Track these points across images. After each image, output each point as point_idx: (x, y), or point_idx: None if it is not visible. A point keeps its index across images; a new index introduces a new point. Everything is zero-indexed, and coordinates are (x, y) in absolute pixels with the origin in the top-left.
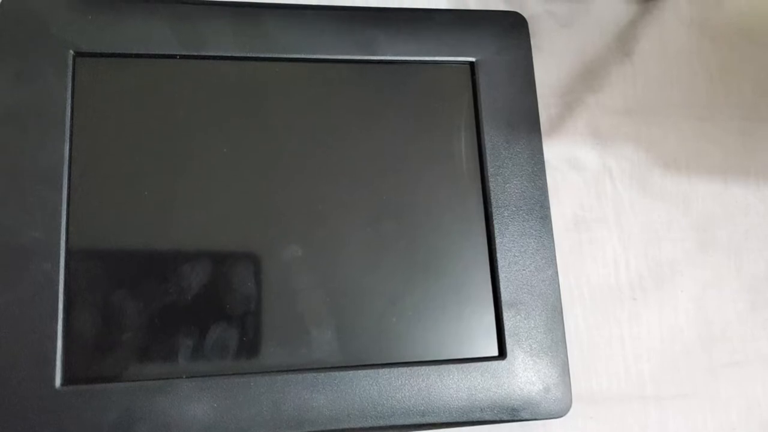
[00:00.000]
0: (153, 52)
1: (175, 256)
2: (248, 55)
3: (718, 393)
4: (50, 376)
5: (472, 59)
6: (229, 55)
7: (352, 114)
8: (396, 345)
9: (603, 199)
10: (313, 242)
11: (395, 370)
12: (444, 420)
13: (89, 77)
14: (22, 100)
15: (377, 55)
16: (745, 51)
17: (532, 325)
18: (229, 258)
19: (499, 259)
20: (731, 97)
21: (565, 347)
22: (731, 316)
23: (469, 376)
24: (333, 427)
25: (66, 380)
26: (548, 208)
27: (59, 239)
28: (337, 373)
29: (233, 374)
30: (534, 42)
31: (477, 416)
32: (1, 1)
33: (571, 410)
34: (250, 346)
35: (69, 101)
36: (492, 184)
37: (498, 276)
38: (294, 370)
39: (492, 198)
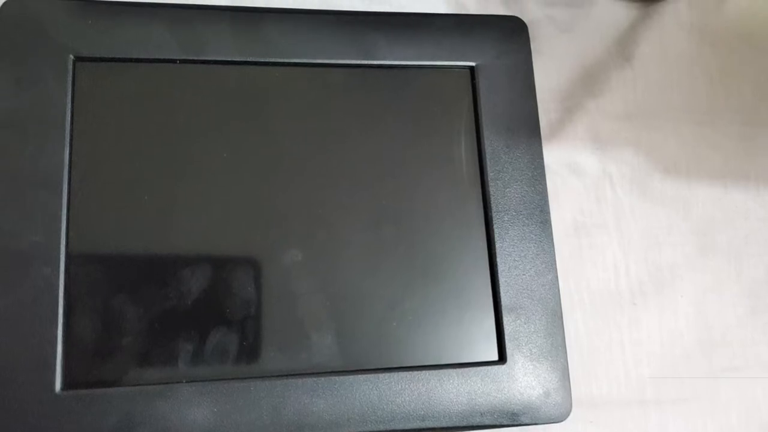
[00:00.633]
0: (153, 57)
1: (175, 261)
2: (248, 59)
3: (718, 397)
4: (50, 381)
5: (472, 64)
6: (228, 59)
7: (352, 118)
8: (396, 349)
9: (603, 204)
10: (313, 247)
11: (395, 375)
12: (444, 425)
13: (89, 82)
14: (22, 105)
15: (377, 59)
16: (745, 55)
17: (532, 330)
18: (229, 262)
19: (499, 264)
20: (731, 101)
21: (565, 352)
22: (731, 320)
23: (469, 381)
24: None
25: (66, 385)
26: (548, 212)
27: (59, 243)
28: (337, 378)
29: (233, 379)
30: (534, 46)
31: (477, 421)
32: (1, 6)
33: (571, 415)
34: (250, 351)
35: (69, 106)
36: (492, 189)
37: (498, 281)
38: (294, 375)
39: (492, 203)
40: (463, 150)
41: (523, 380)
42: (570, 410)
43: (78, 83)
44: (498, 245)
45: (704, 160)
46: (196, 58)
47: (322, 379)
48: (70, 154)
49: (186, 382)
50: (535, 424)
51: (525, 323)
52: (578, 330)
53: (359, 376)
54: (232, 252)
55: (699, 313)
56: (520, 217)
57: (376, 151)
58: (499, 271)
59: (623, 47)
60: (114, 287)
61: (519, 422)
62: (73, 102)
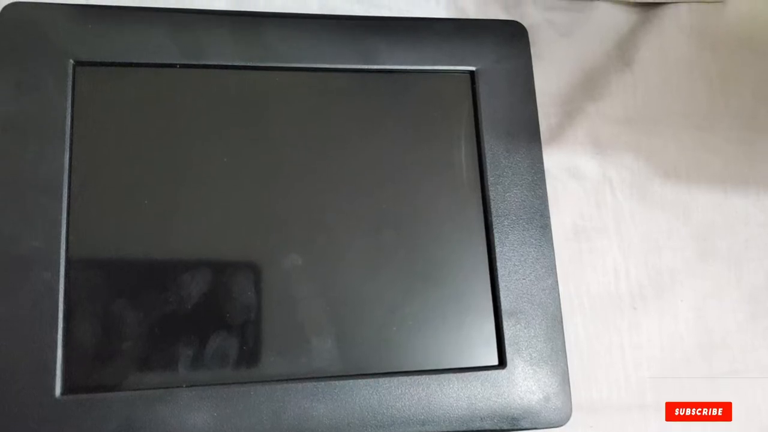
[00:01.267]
0: (153, 61)
1: (175, 265)
2: (248, 64)
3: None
4: (50, 385)
5: (472, 68)
6: (229, 64)
7: (352, 123)
8: (396, 354)
9: (603, 209)
10: (314, 251)
11: (395, 380)
12: (444, 429)
13: (89, 86)
14: (23, 109)
15: (377, 64)
16: (745, 60)
17: (532, 334)
18: (229, 267)
19: (499, 269)
20: (731, 106)
21: (565, 356)
22: (731, 325)
23: (469, 386)
24: None
25: (66, 389)
26: (548, 217)
27: (59, 248)
28: (337, 383)
29: (233, 383)
30: (534, 51)
31: (477, 425)
32: (1, 10)
33: (571, 419)
34: (250, 355)
35: (69, 110)
36: (492, 193)
37: (498, 285)
38: (294, 379)
39: (492, 207)
40: (463, 154)
41: (523, 385)
42: (570, 414)
43: (78, 88)
44: (498, 250)
45: (704, 164)
46: (196, 62)
47: (322, 383)
48: (70, 158)
49: (186, 386)
50: (535, 428)
51: (525, 328)
52: (578, 334)
53: (359, 380)
54: (232, 256)
55: (699, 317)
56: (520, 221)
57: (376, 156)
58: (499, 276)
59: (623, 51)
60: (114, 292)
61: (519, 427)
62: (73, 106)
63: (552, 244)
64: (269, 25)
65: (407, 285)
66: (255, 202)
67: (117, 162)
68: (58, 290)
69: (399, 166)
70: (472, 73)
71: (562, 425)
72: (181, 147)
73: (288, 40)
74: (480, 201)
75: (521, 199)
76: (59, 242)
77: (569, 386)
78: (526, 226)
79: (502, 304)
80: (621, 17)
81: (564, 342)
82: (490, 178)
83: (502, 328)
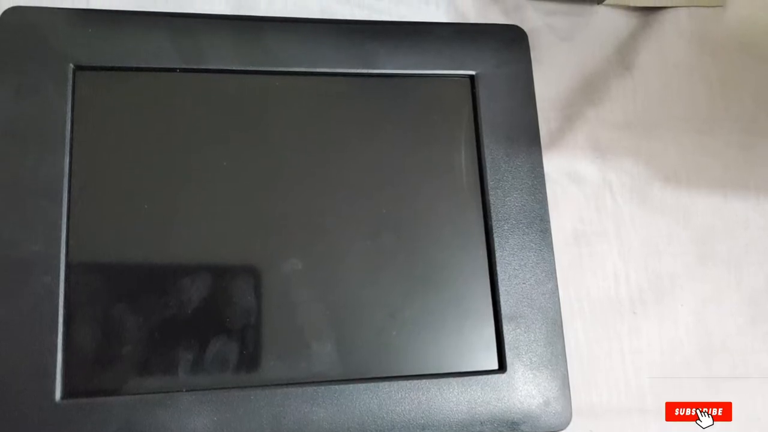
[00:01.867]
0: (153, 66)
1: (175, 270)
2: (248, 68)
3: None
4: (50, 389)
5: (472, 73)
6: (229, 68)
7: (352, 127)
8: (396, 358)
9: (603, 213)
10: (313, 256)
11: (395, 384)
12: None
13: (89, 91)
14: (23, 114)
15: (377, 68)
16: (745, 64)
17: (532, 339)
18: (229, 271)
19: (499, 273)
20: (731, 110)
21: (565, 360)
22: (731, 329)
23: (469, 390)
24: None
25: (66, 393)
26: (548, 221)
27: (59, 252)
28: (337, 387)
29: (233, 387)
30: (534, 55)
31: (477, 430)
32: (1, 14)
33: (572, 423)
34: (250, 360)
35: (69, 115)
36: (492, 198)
37: (498, 289)
38: (294, 384)
39: (492, 211)
40: (463, 159)
41: (523, 389)
42: (570, 419)
43: (78, 92)
44: (498, 254)
45: (704, 169)
46: (196, 66)
47: (322, 388)
48: (70, 162)
49: (186, 390)
50: None
51: (525, 332)
52: (578, 339)
53: (359, 385)
54: (232, 261)
55: (699, 321)
56: (520, 225)
57: (376, 160)
58: (499, 280)
59: (623, 56)
60: (114, 296)
61: (519, 431)
62: (73, 111)
63: (552, 248)
64: (269, 30)
65: (407, 289)
66: (255, 206)
67: (117, 166)
68: (58, 294)
69: (399, 171)
70: (472, 77)
71: (562, 429)
72: (181, 151)
73: (288, 44)
74: (480, 205)
75: (521, 203)
76: (59, 246)
77: (569, 390)
78: (526, 230)
79: (502, 308)
80: (621, 22)
81: (564, 346)
82: (490, 183)
83: (502, 332)
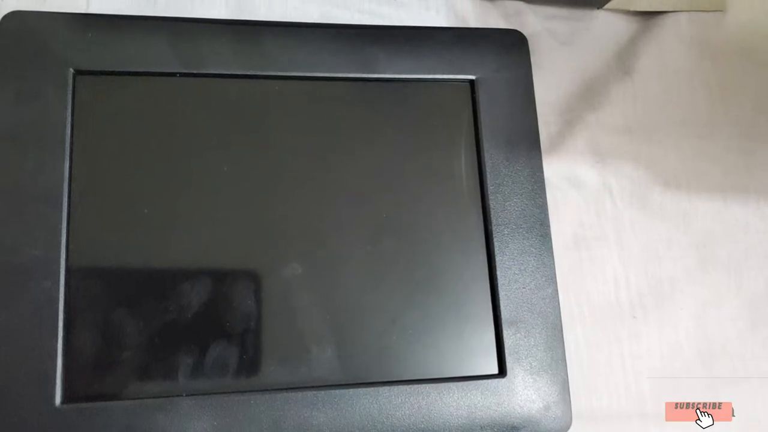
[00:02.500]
0: (153, 71)
1: (175, 274)
2: (248, 73)
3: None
4: (50, 394)
5: (472, 77)
6: (229, 73)
7: (352, 132)
8: (396, 363)
9: (603, 217)
10: (314, 260)
11: (395, 389)
12: None
13: (89, 95)
14: (22, 118)
15: (377, 73)
16: (745, 69)
17: (532, 343)
18: (229, 276)
19: (499, 277)
20: (731, 115)
21: (565, 365)
22: (731, 333)
23: (469, 395)
24: None
25: (66, 398)
26: (548, 226)
27: (59, 257)
28: (337, 391)
29: (233, 392)
30: (534, 60)
31: None
32: (1, 19)
33: (572, 428)
34: (250, 364)
35: (69, 119)
36: (492, 202)
37: (498, 294)
38: (294, 388)
39: (492, 216)
40: (463, 163)
41: (523, 394)
42: (570, 423)
43: (78, 97)
44: (498, 259)
45: (704, 173)
46: (196, 71)
47: (323, 392)
48: (70, 167)
49: (186, 395)
50: None
51: (525, 337)
52: (578, 343)
53: (359, 389)
54: (232, 265)
55: (699, 326)
56: (520, 230)
57: (376, 165)
58: (499, 285)
59: (623, 61)
60: (114, 301)
61: None
62: (73, 115)
63: (552, 253)
64: (269, 34)
65: (407, 294)
66: (255, 211)
67: (117, 171)
68: (58, 299)
69: (399, 175)
70: (472, 82)
71: None
72: (181, 156)
73: (288, 49)
74: (480, 210)
75: (521, 208)
76: (59, 251)
77: (569, 395)
78: (526, 235)
79: (502, 313)
80: (621, 26)
81: (564, 351)
82: (490, 187)
83: (502, 337)
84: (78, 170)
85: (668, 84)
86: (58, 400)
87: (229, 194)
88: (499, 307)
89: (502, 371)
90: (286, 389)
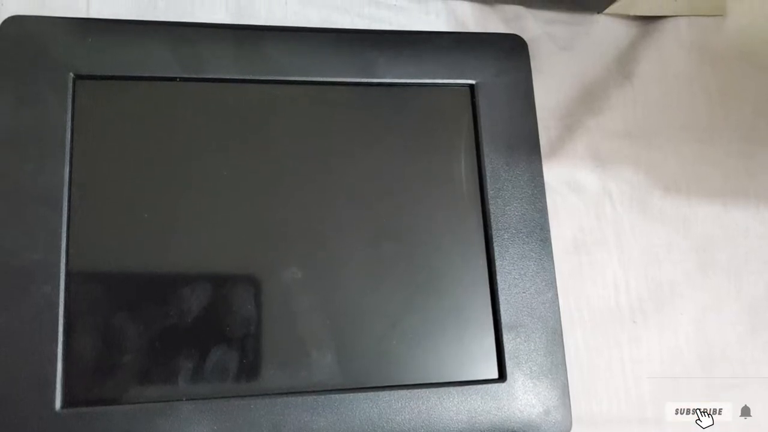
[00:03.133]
0: (153, 75)
1: (175, 279)
2: (248, 77)
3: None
4: (50, 399)
5: (472, 82)
6: (229, 77)
7: (352, 136)
8: (396, 367)
9: (603, 222)
10: (313, 264)
11: (395, 393)
12: None
13: (89, 100)
14: (22, 123)
15: (377, 77)
16: (745, 73)
17: (532, 348)
18: (229, 280)
19: (499, 282)
20: (731, 119)
21: (565, 370)
22: (731, 338)
23: (469, 399)
24: None
25: (66, 403)
26: (548, 230)
27: (59, 261)
28: (337, 396)
29: (233, 397)
30: (534, 64)
31: None
32: (1, 24)
33: None
34: (250, 369)
35: (69, 124)
36: (492, 207)
37: (498, 298)
38: (294, 393)
39: (492, 220)
40: (463, 168)
41: (523, 398)
42: (570, 428)
43: (78, 101)
44: (498, 263)
45: (704, 177)
46: (196, 76)
47: (322, 397)
48: (70, 171)
49: (186, 400)
50: None
51: (525, 341)
52: (578, 348)
53: (359, 394)
54: (232, 270)
55: (699, 330)
56: (520, 234)
57: (376, 169)
58: (499, 289)
59: (623, 65)
60: (114, 305)
61: None
62: (73, 120)
63: (552, 257)
64: (269, 39)
65: (407, 298)
66: (255, 215)
67: (117, 175)
68: (58, 303)
69: (399, 180)
70: (471, 86)
71: None
72: (181, 160)
73: (288, 53)
74: (480, 214)
75: (521, 212)
76: (59, 255)
77: (569, 399)
78: (526, 239)
79: (502, 317)
80: (621, 31)
81: (564, 355)
82: (490, 192)
83: (502, 341)
84: (78, 174)
85: (668, 88)
86: (58, 404)
87: (228, 198)
88: (499, 311)
89: (502, 376)
90: (286, 394)
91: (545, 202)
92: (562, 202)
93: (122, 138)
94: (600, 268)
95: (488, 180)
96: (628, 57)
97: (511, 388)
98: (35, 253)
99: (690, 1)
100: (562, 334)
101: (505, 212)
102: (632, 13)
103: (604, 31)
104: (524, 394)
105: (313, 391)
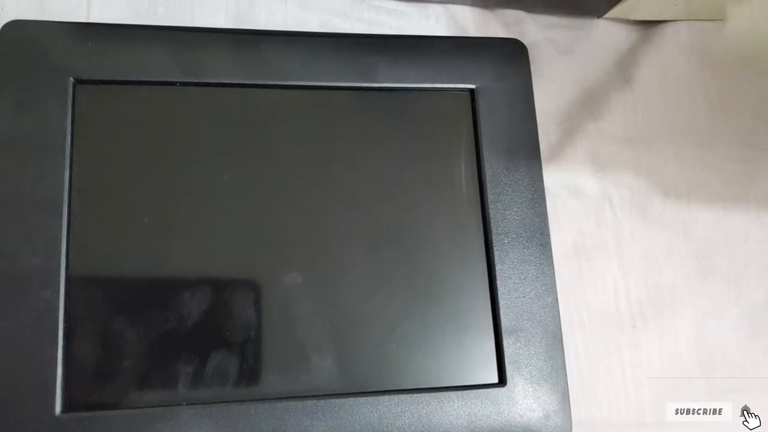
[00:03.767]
0: (153, 79)
1: (175, 283)
2: (248, 82)
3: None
4: (50, 403)
5: (472, 86)
6: (229, 82)
7: (352, 141)
8: (396, 372)
9: (603, 227)
10: (314, 269)
11: (395, 398)
12: None
13: (89, 104)
14: (23, 128)
15: (377, 82)
16: (745, 78)
17: (532, 353)
18: (230, 285)
19: (499, 287)
20: (731, 124)
21: (565, 374)
22: (731, 343)
23: (469, 404)
24: None
25: (66, 407)
26: (548, 235)
27: (59, 266)
28: (337, 401)
29: (233, 401)
30: (534, 69)
31: None
32: (1, 28)
33: None
34: (250, 373)
35: (69, 128)
36: (492, 211)
37: (498, 303)
38: (294, 397)
39: (492, 225)
40: (463, 172)
41: (523, 403)
42: None
43: (78, 106)
44: (498, 268)
45: (704, 182)
46: (196, 80)
47: (322, 401)
48: (70, 176)
49: (186, 404)
50: None
51: (525, 346)
52: (578, 352)
53: (359, 398)
54: (233, 274)
55: (699, 335)
56: (520, 239)
57: (376, 174)
58: (499, 294)
59: (623, 70)
60: (114, 310)
61: None
62: (73, 124)
63: (552, 262)
64: (269, 43)
65: (407, 303)
66: (255, 219)
67: (117, 180)
68: (58, 308)
69: (399, 184)
70: (472, 91)
71: None
72: (182, 165)
73: (288, 58)
74: (480, 219)
75: (521, 217)
76: (59, 260)
77: (569, 404)
78: (526, 244)
79: (502, 322)
80: (621, 35)
81: (564, 360)
82: (490, 196)
83: (502, 346)
84: (78, 179)
85: (668, 93)
86: (58, 409)
87: (229, 203)
88: (499, 316)
89: (502, 380)
90: (286, 398)
91: (545, 206)
92: (562, 207)
93: (122, 143)
94: (600, 273)
95: (488, 184)
96: (628, 61)
97: (511, 392)
98: (35, 258)
99: (690, 5)
100: (562, 339)
101: (505, 217)
102: (632, 17)
103: (604, 35)
104: (524, 399)
105: (313, 396)
